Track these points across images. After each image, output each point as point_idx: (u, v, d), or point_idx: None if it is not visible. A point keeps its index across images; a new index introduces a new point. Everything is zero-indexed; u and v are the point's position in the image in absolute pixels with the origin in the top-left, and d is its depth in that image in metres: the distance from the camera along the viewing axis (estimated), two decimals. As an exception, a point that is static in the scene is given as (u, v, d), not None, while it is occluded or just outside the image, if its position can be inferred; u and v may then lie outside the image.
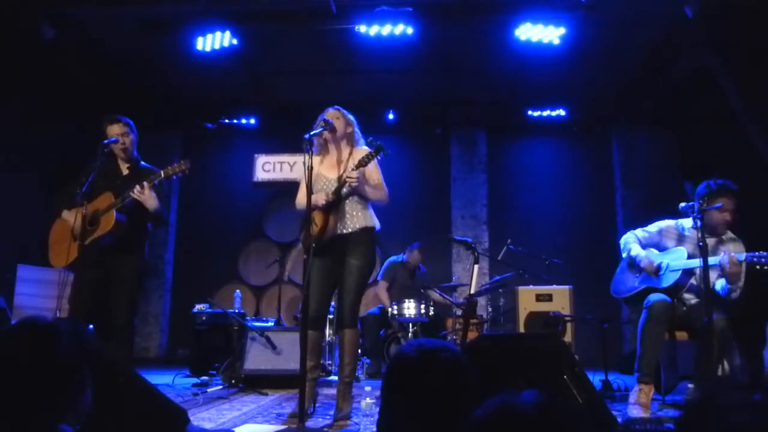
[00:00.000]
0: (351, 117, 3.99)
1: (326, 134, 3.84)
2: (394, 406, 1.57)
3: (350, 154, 3.88)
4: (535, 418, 1.16)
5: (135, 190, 3.93)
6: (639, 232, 4.28)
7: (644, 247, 4.22)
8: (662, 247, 4.16)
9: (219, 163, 8.98)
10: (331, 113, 3.89)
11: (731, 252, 3.83)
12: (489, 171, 8.66)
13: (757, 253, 3.66)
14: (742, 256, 3.70)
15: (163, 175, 4.04)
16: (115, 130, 4.19)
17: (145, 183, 3.96)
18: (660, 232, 4.19)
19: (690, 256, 3.94)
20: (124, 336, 4.05)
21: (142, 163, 4.36)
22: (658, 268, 4.01)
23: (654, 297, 3.87)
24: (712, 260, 3.79)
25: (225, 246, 8.69)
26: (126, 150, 4.22)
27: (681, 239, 4.10)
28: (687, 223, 4.11)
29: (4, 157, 6.47)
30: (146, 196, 3.96)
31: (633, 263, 4.17)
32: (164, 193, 4.32)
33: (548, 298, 6.47)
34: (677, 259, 3.97)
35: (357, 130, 3.99)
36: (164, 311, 8.58)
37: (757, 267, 3.63)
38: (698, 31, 5.69)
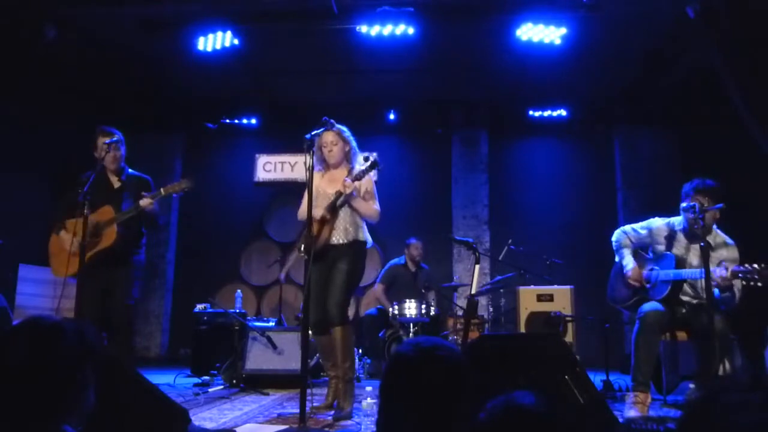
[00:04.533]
0: (348, 136, 4.16)
1: (326, 153, 4.08)
2: (393, 405, 1.57)
3: (348, 172, 4.07)
4: (541, 418, 1.16)
5: (143, 203, 4.09)
6: (630, 230, 4.23)
7: (635, 247, 4.21)
8: (653, 250, 4.14)
9: (220, 163, 8.98)
10: (331, 137, 4.06)
11: (723, 258, 3.83)
12: (490, 171, 8.64)
13: (742, 267, 3.57)
14: (726, 272, 3.61)
15: (163, 193, 4.19)
16: (105, 144, 4.26)
17: (150, 197, 4.12)
18: (651, 233, 4.15)
19: (679, 261, 3.92)
20: (123, 338, 4.17)
21: (130, 170, 4.43)
22: (647, 280, 3.99)
23: (647, 307, 3.85)
24: (693, 272, 3.78)
25: (226, 246, 8.69)
26: (117, 162, 4.33)
27: (671, 241, 4.05)
28: (678, 222, 4.09)
29: (5, 156, 6.48)
30: (153, 207, 4.19)
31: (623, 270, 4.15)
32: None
33: (549, 298, 6.47)
34: (667, 267, 3.92)
35: (354, 146, 4.18)
36: (165, 311, 8.58)
37: (743, 283, 3.58)
38: (700, 31, 5.68)
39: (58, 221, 4.26)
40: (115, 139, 4.20)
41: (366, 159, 4.03)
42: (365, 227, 4.12)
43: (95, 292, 4.09)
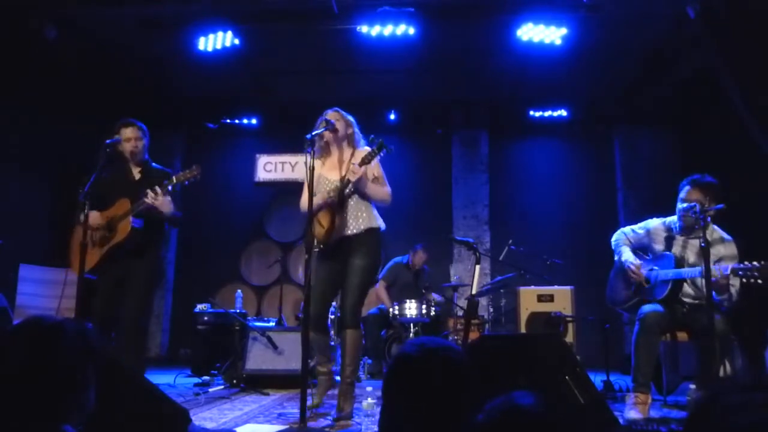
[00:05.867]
0: (350, 118, 4.01)
1: (327, 136, 3.86)
2: (395, 405, 1.57)
3: (352, 154, 3.91)
4: (540, 419, 1.16)
5: (149, 197, 3.93)
6: (629, 231, 4.23)
7: (634, 247, 4.20)
8: (651, 250, 4.13)
9: (221, 163, 8.97)
10: (331, 114, 3.90)
11: (721, 255, 3.82)
12: (490, 171, 8.65)
13: (742, 265, 3.54)
14: (728, 269, 3.57)
15: (175, 180, 4.03)
16: (127, 133, 4.20)
17: (158, 188, 3.96)
18: (648, 233, 4.14)
19: (678, 260, 3.91)
20: (134, 338, 4.04)
21: (154, 164, 4.35)
22: (647, 279, 3.97)
23: (647, 308, 3.83)
24: (693, 271, 3.77)
25: (226, 246, 8.70)
26: (136, 154, 4.22)
27: (669, 240, 4.04)
28: (674, 221, 4.07)
29: (5, 157, 6.48)
30: (160, 201, 3.96)
31: (624, 268, 4.11)
32: (177, 195, 4.33)
33: (550, 298, 6.48)
34: (666, 266, 3.90)
35: (357, 130, 4.01)
36: (166, 311, 8.59)
37: (743, 280, 3.55)
38: (700, 31, 5.68)
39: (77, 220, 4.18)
40: (116, 138, 4.14)
41: (372, 142, 3.77)
42: (376, 211, 3.91)
43: (108, 289, 4.01)
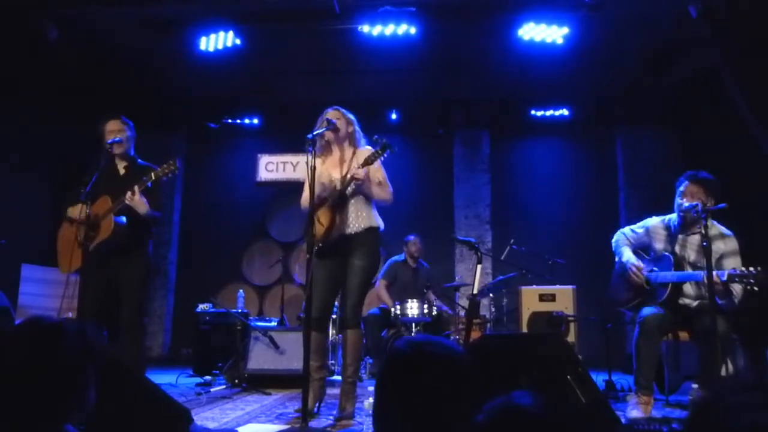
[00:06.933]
0: (351, 116, 4.00)
1: (328, 135, 3.85)
2: (388, 403, 1.56)
3: (353, 153, 3.90)
4: (540, 419, 1.16)
5: (126, 196, 3.89)
6: (629, 231, 4.22)
7: (634, 247, 4.19)
8: (651, 249, 4.12)
9: (222, 162, 8.99)
10: (331, 113, 3.90)
11: (722, 251, 3.80)
12: (492, 171, 8.65)
13: (738, 271, 3.51)
14: (724, 275, 3.54)
15: (153, 176, 3.96)
16: (111, 126, 4.16)
17: (135, 187, 3.90)
18: (648, 232, 4.13)
19: (677, 260, 3.89)
20: (132, 337, 4.00)
21: (140, 161, 4.30)
22: (647, 280, 3.96)
23: (646, 311, 3.82)
24: (693, 275, 3.76)
25: (228, 246, 8.70)
26: (120, 148, 4.16)
27: (668, 238, 4.03)
28: (674, 219, 4.06)
29: (8, 157, 6.49)
30: (136, 201, 3.89)
31: (625, 269, 4.10)
32: (165, 193, 4.26)
33: (551, 298, 6.47)
34: (665, 268, 3.89)
35: (358, 129, 4.00)
36: (168, 310, 8.59)
37: (746, 288, 3.52)
38: (702, 31, 5.68)
39: (64, 215, 4.15)
40: (118, 138, 4.12)
41: (376, 142, 3.75)
42: (376, 210, 3.91)
43: (97, 288, 3.95)
